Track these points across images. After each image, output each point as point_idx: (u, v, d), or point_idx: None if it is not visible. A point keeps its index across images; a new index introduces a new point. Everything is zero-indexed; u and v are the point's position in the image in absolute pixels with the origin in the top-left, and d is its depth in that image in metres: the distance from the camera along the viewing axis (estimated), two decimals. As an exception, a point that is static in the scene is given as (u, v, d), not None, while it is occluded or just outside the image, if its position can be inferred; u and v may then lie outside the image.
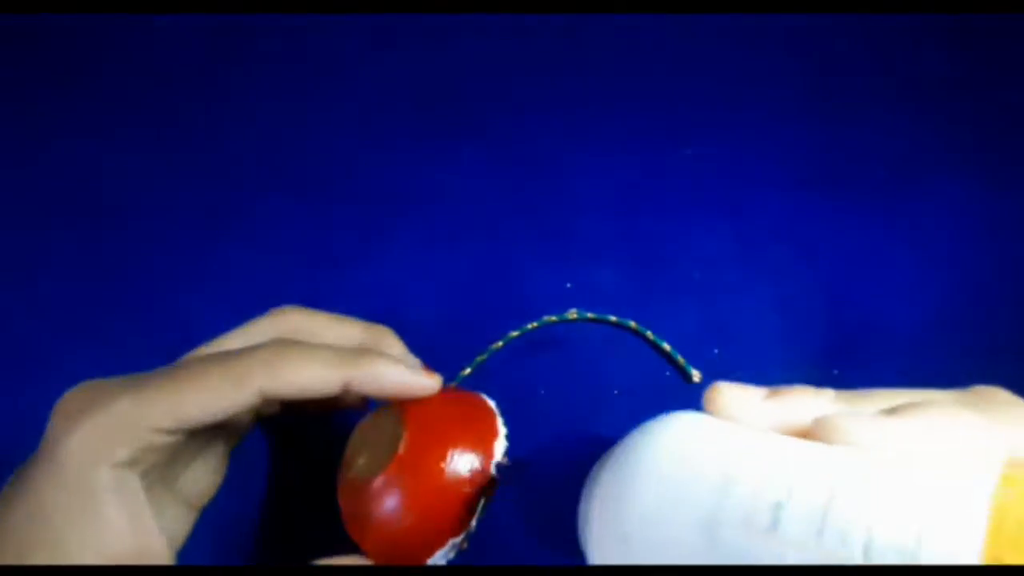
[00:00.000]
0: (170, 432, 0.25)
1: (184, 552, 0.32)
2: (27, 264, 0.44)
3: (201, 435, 0.29)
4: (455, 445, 0.26)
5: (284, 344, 0.26)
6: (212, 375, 0.24)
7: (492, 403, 0.31)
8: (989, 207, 0.46)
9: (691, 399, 0.42)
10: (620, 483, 0.21)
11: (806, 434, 0.20)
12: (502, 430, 0.28)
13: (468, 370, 0.42)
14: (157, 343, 0.43)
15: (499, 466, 0.27)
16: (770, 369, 0.42)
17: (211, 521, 0.34)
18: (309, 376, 0.25)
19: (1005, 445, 0.18)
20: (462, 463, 0.26)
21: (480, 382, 0.42)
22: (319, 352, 0.26)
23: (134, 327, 0.43)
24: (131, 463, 0.25)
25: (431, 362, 0.43)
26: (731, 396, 0.21)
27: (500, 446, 0.28)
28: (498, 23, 0.50)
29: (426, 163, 0.47)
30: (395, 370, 0.27)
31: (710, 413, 0.22)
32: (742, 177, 0.47)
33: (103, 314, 0.43)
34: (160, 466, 0.27)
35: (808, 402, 0.20)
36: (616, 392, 0.42)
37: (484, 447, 0.27)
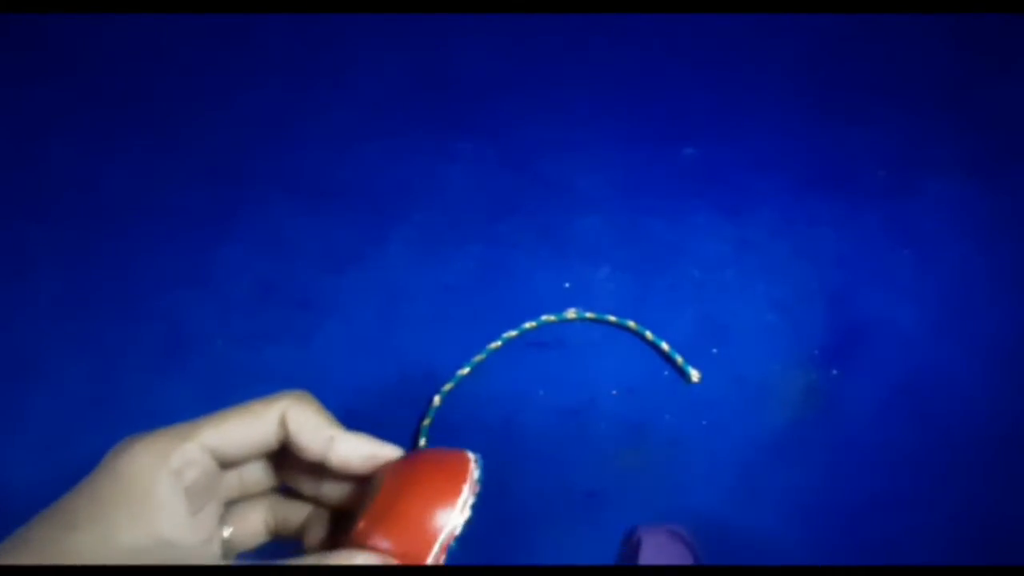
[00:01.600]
0: (215, 452, 0.27)
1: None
2: (26, 263, 0.44)
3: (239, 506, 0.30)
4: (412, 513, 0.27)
5: (302, 394, 0.30)
6: (243, 408, 0.28)
7: (471, 462, 0.29)
8: (989, 207, 0.46)
9: (690, 399, 0.42)
10: None
11: None
12: (466, 495, 0.28)
13: (467, 370, 0.42)
14: (156, 343, 0.43)
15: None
16: (769, 369, 0.42)
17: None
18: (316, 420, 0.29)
19: None
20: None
21: (479, 382, 0.42)
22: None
23: (133, 326, 0.43)
24: (179, 473, 0.27)
25: (430, 362, 0.43)
26: None
27: (459, 516, 0.27)
28: (498, 23, 0.50)
29: (426, 163, 0.47)
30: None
31: None
32: (742, 177, 0.47)
33: (102, 313, 0.43)
34: (203, 491, 0.28)
35: None
36: (615, 392, 0.42)
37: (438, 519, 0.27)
